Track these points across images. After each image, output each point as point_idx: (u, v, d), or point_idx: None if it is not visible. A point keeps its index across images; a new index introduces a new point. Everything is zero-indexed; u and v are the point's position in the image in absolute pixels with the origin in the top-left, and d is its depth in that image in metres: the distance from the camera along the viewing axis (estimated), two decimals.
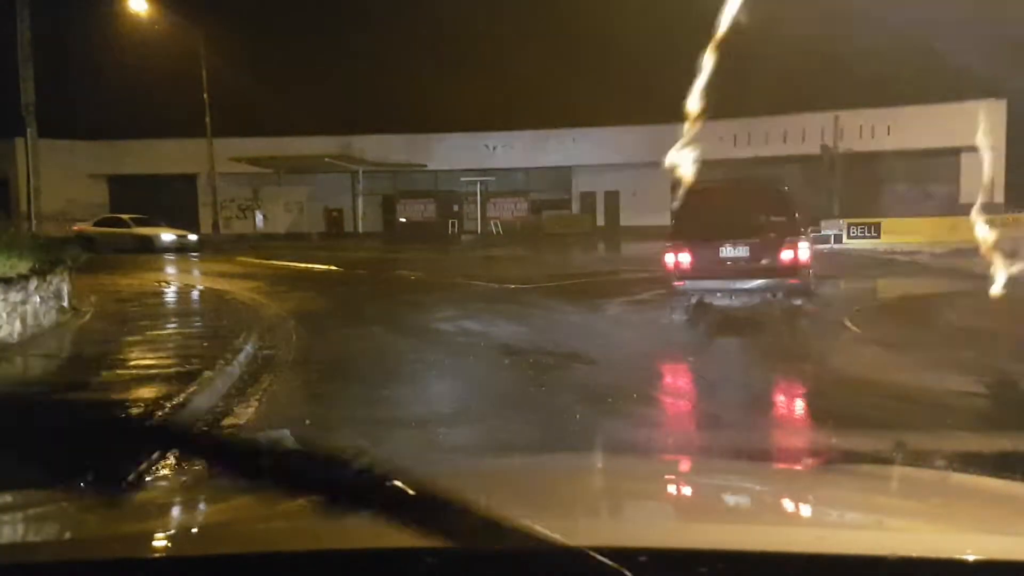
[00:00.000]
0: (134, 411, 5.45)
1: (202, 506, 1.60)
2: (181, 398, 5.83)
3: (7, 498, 1.55)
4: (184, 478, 3.53)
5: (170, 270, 20.36)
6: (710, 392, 6.86)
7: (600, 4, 39.21)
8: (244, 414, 5.82)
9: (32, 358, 7.67)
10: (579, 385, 6.81)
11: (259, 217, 32.98)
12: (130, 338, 8.80)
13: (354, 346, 9.01)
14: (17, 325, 8.28)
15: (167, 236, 27.49)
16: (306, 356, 8.25)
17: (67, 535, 1.35)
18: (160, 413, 5.43)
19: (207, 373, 6.61)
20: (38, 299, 8.88)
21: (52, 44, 25.08)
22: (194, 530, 1.35)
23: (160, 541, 1.23)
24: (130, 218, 28.36)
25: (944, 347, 8.13)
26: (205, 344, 8.19)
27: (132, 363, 7.35)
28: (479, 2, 38.87)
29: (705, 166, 29.06)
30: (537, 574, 0.97)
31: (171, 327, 9.54)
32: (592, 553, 0.93)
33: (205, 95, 28.72)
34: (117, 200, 36.14)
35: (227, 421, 5.61)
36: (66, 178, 32.55)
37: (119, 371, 6.94)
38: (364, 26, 42.89)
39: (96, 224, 28.09)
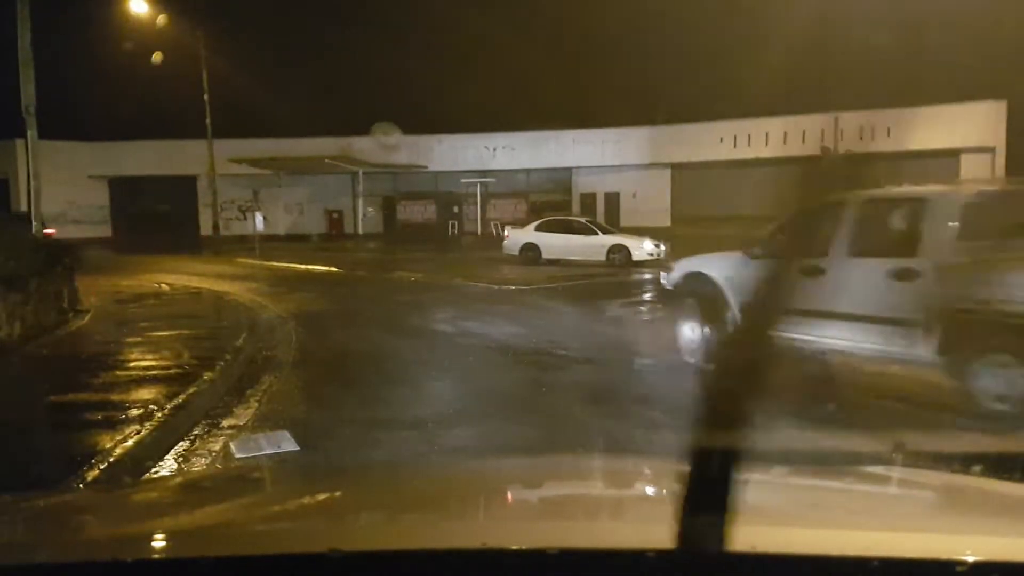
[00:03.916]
0: (133, 412, 5.44)
1: (202, 506, 1.59)
2: (180, 399, 5.83)
3: (7, 498, 1.55)
4: (183, 478, 3.56)
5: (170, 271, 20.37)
6: None
7: (601, 5, 39.23)
8: (244, 415, 5.81)
9: (31, 359, 7.66)
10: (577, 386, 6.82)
11: (259, 219, 32.81)
12: (130, 339, 8.80)
13: (356, 347, 9.01)
14: (17, 326, 8.27)
15: (648, 246, 20.13)
16: (307, 358, 8.25)
17: (67, 536, 1.34)
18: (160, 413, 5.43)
19: (207, 374, 6.61)
20: (38, 300, 8.88)
21: (53, 45, 25.09)
22: (194, 531, 1.35)
23: (159, 542, 1.22)
24: (589, 221, 22.57)
25: None
26: (204, 345, 8.19)
27: (132, 364, 7.35)
28: (480, 3, 38.89)
29: (704, 167, 29.05)
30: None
31: (170, 328, 9.53)
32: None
33: (205, 96, 28.69)
34: (117, 201, 36.16)
35: (226, 422, 5.61)
36: (67, 179, 32.49)
37: (118, 372, 6.94)
38: (364, 27, 42.91)
39: (540, 228, 21.82)
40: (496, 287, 15.37)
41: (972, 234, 5.51)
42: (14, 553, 1.15)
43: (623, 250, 19.97)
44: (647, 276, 17.97)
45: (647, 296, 13.60)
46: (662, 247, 19.87)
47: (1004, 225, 5.59)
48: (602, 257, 20.15)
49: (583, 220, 22.82)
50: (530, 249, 21.15)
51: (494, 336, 9.68)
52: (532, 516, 1.45)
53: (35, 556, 1.12)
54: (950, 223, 5.60)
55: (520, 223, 29.83)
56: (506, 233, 22.63)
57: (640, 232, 22.29)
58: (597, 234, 20.86)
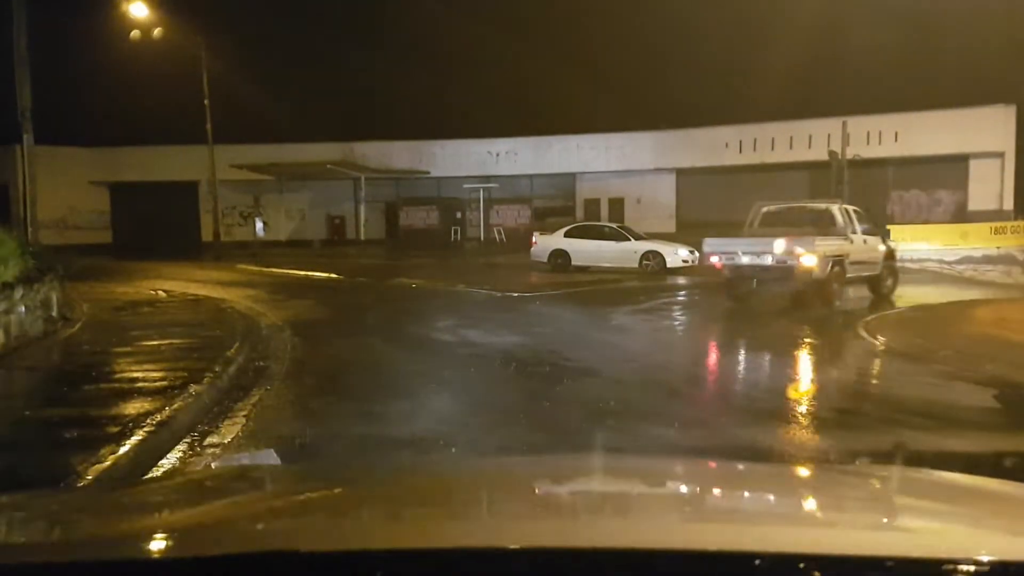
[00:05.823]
0: (111, 429, 5.12)
1: (202, 505, 1.58)
2: (163, 415, 5.51)
3: (4, 499, 1.54)
4: (183, 477, 3.26)
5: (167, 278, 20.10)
6: None
7: (603, 11, 39.04)
8: (230, 432, 5.49)
9: (11, 371, 7.35)
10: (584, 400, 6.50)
11: (259, 224, 32.54)
12: (118, 349, 8.48)
13: (352, 358, 8.70)
14: (0, 336, 7.98)
15: (683, 253, 19.46)
16: (301, 369, 7.94)
17: (66, 535, 1.34)
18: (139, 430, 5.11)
19: (193, 387, 6.30)
20: (23, 308, 8.58)
21: (53, 50, 24.92)
22: (194, 529, 1.33)
23: (159, 542, 1.20)
24: (620, 227, 22.02)
25: None
26: (195, 355, 7.88)
27: (116, 376, 7.02)
28: (482, 9, 38.72)
29: (710, 172, 29.28)
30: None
31: (162, 338, 9.22)
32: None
33: (206, 101, 28.47)
34: (118, 207, 35.96)
35: (210, 440, 5.28)
36: (67, 185, 32.39)
37: (101, 385, 6.62)
38: (366, 32, 42.80)
39: (569, 234, 21.16)
40: (502, 294, 15.07)
41: (765, 224, 13.15)
42: (14, 554, 1.14)
43: (657, 256, 19.35)
44: (681, 281, 17.72)
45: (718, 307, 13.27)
46: (696, 254, 18.42)
47: (777, 222, 13.25)
48: (635, 264, 19.63)
49: (614, 225, 22.25)
50: (559, 256, 20.51)
51: (497, 346, 9.37)
52: (531, 515, 1.44)
53: (34, 557, 1.12)
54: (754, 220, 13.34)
55: (524, 229, 29.49)
56: (533, 240, 21.85)
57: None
58: (629, 240, 20.30)
